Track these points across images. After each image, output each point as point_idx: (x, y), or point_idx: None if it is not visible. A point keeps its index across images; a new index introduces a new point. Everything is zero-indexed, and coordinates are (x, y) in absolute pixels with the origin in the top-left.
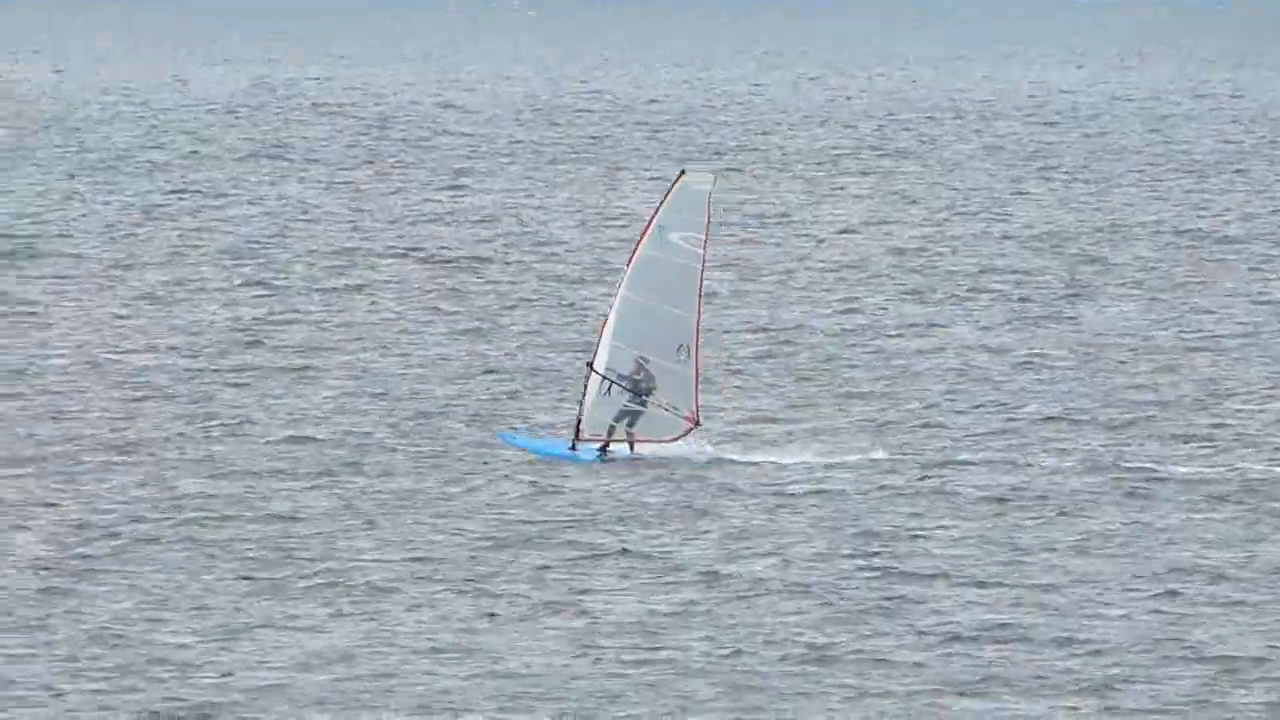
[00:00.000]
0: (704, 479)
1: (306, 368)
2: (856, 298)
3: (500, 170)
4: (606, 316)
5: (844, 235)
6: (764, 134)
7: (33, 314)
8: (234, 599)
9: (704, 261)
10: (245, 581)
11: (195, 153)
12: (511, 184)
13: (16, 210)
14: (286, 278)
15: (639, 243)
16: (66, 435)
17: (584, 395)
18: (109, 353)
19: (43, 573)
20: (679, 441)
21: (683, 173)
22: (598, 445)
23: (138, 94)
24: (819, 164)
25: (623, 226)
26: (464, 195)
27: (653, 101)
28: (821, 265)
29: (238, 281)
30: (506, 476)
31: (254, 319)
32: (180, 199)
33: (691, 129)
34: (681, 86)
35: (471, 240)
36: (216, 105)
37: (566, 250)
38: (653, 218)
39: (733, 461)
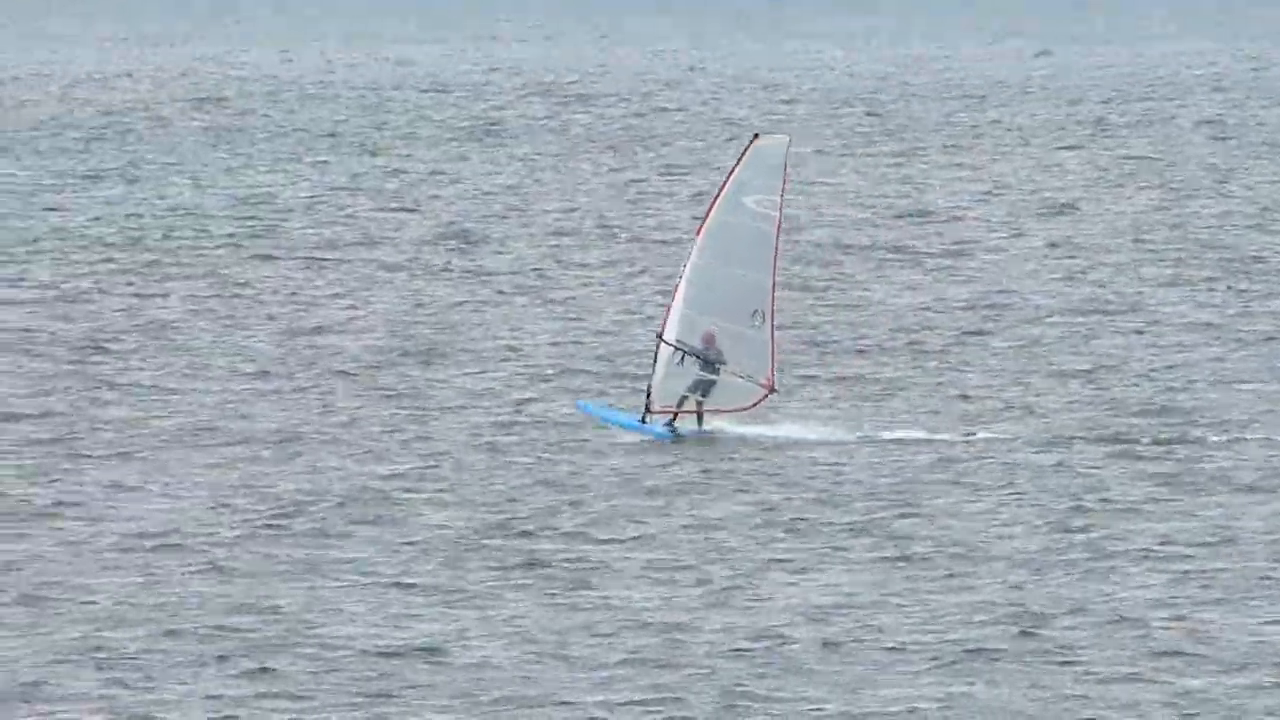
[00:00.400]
0: (906, 459)
1: (518, 349)
2: (1075, 274)
3: (722, 148)
4: (676, 286)
5: (1064, 210)
6: (983, 110)
7: (249, 295)
8: (442, 579)
9: (779, 225)
10: (453, 562)
11: (412, 133)
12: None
13: (237, 191)
14: (500, 257)
15: (710, 210)
16: (277, 416)
17: (654, 367)
18: (322, 333)
19: (252, 553)
20: (752, 409)
21: (756, 136)
22: (666, 419)
23: (358, 74)
24: (1042, 139)
25: (854, 205)
26: (681, 175)
27: (877, 79)
28: (1040, 241)
29: (450, 261)
30: (724, 457)
31: (467, 299)
32: (398, 178)
33: (914, 107)
34: (903, 66)
35: (690, 220)
36: (435, 84)
37: (801, 229)
38: (724, 184)
39: (937, 439)
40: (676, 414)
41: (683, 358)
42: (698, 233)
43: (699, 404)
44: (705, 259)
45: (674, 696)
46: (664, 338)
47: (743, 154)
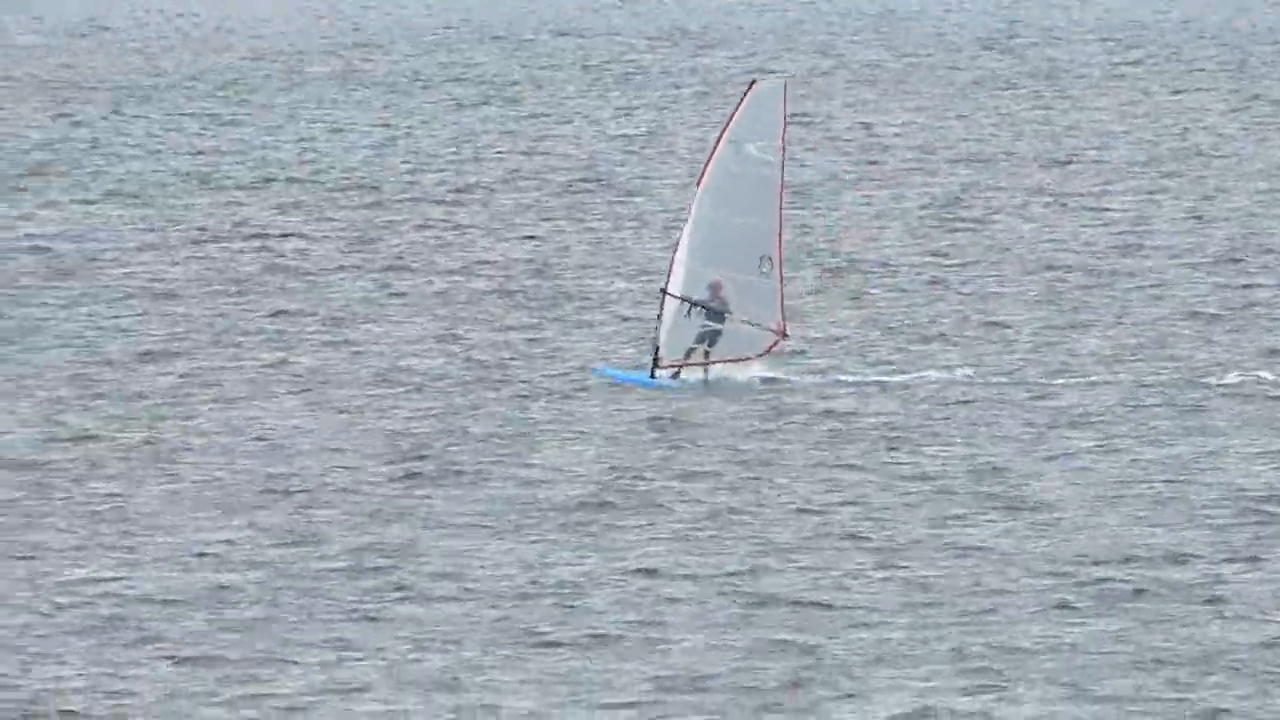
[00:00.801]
0: (1039, 400)
1: (653, 291)
2: (1215, 217)
3: (859, 90)
4: (678, 239)
5: (1204, 152)
6: (1124, 51)
7: (386, 238)
8: (572, 518)
9: (782, 169)
10: (583, 503)
11: (550, 77)
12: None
13: (375, 135)
14: (637, 201)
15: (709, 160)
16: (411, 357)
17: (659, 321)
18: (459, 275)
19: (383, 495)
20: (760, 360)
21: (753, 82)
22: (672, 372)
23: (495, 17)
24: (1183, 80)
25: (992, 146)
26: (815, 120)
27: (1012, 21)
28: (1179, 182)
29: (587, 204)
30: (852, 400)
31: (604, 241)
32: (535, 121)
33: (1053, 49)
34: (1042, 7)
35: (827, 163)
36: (572, 28)
37: (937, 170)
38: (722, 133)
39: (1072, 382)
40: (682, 366)
41: (689, 310)
42: (698, 184)
43: (706, 354)
44: (708, 209)
45: (807, 640)
46: (669, 290)
47: (740, 102)
